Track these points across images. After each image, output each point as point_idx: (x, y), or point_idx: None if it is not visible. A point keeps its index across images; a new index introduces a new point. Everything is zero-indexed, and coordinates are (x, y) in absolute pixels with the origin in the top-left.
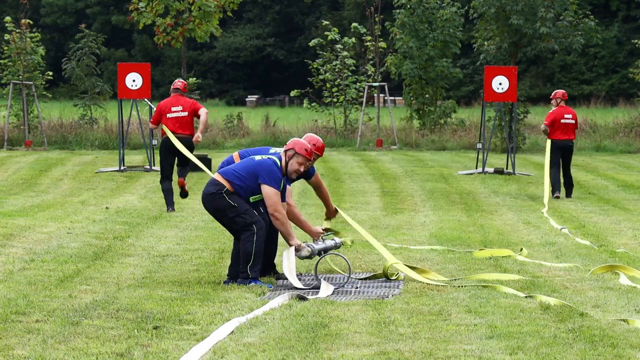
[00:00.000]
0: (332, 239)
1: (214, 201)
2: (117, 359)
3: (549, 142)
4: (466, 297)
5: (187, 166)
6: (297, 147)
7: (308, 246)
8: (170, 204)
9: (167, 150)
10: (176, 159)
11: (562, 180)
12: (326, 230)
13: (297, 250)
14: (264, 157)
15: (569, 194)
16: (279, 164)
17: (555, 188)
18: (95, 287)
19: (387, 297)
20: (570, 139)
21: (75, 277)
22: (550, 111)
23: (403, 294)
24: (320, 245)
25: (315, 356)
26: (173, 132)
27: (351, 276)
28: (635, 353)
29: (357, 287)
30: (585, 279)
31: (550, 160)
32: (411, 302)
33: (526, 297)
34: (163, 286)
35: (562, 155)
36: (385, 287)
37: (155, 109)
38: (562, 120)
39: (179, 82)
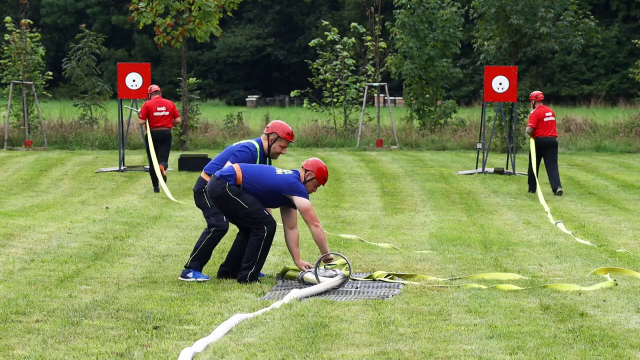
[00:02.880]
0: (334, 270)
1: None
2: (117, 359)
3: (532, 142)
4: (466, 297)
5: (167, 155)
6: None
7: (310, 271)
8: (155, 186)
9: (153, 141)
10: (160, 148)
11: (537, 179)
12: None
13: (303, 270)
14: (285, 171)
15: (557, 190)
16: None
17: (532, 185)
18: (95, 287)
19: (387, 297)
20: (554, 135)
21: (75, 277)
22: (531, 112)
23: (403, 294)
24: (321, 272)
25: (315, 356)
26: (159, 126)
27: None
28: (635, 353)
29: (357, 287)
30: (585, 279)
31: (536, 159)
32: (411, 302)
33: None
34: (163, 286)
35: (547, 152)
36: (385, 287)
37: (139, 109)
38: (545, 119)
39: (156, 87)
